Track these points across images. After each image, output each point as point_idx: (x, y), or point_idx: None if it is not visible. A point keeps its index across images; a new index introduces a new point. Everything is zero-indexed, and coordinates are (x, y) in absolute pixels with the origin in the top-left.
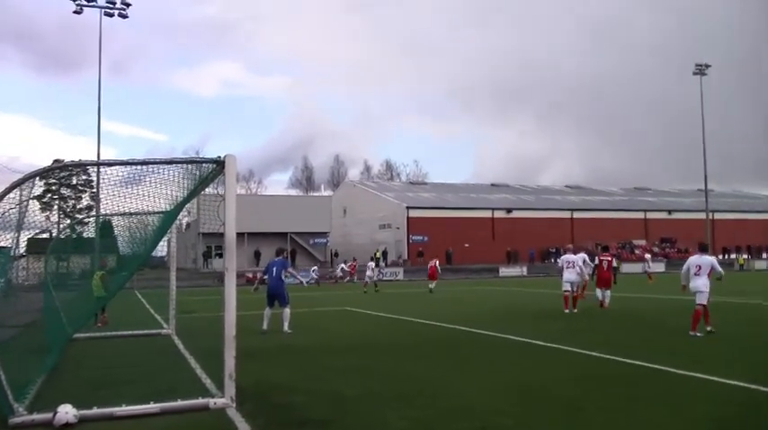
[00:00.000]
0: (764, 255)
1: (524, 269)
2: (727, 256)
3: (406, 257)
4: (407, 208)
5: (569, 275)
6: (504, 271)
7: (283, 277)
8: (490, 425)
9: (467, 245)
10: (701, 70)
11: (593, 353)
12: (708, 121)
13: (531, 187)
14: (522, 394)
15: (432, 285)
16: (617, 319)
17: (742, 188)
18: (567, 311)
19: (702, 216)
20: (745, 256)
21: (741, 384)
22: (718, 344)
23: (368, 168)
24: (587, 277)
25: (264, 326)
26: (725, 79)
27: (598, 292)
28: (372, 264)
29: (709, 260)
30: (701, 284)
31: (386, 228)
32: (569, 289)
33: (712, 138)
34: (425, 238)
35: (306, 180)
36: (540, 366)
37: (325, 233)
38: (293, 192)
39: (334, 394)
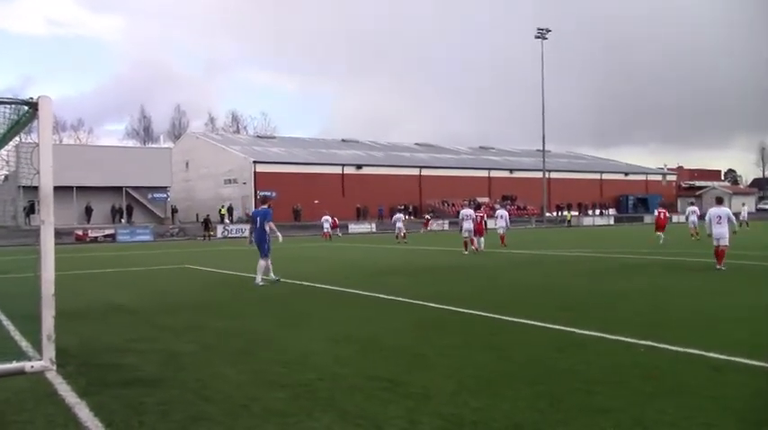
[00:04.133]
0: (590, 212)
1: (373, 226)
2: (559, 213)
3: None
4: (254, 162)
5: (467, 225)
6: (354, 227)
7: (266, 227)
8: (328, 374)
9: (316, 201)
10: (542, 34)
11: (432, 304)
12: (548, 86)
13: (380, 144)
14: (362, 344)
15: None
16: (461, 274)
17: (576, 149)
18: (466, 253)
19: (540, 175)
20: (575, 213)
21: (556, 327)
22: (538, 293)
23: (212, 120)
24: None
25: (272, 276)
26: (565, 45)
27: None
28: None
29: (726, 211)
30: (724, 231)
31: (231, 183)
32: (467, 235)
33: (552, 102)
34: (273, 194)
35: (144, 131)
36: (379, 317)
37: (165, 188)
38: (130, 143)
39: (167, 352)
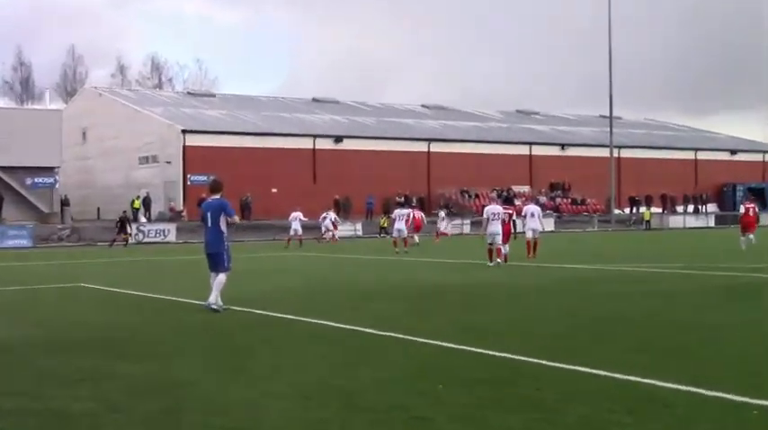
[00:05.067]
0: (680, 208)
1: (358, 226)
2: (633, 210)
3: (181, 207)
4: (184, 132)
5: (494, 227)
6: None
7: (223, 227)
8: None
9: (274, 190)
10: None
11: (440, 343)
12: (617, 27)
13: (370, 106)
14: (341, 401)
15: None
16: (482, 297)
17: (659, 117)
18: (491, 265)
19: (606, 153)
20: (656, 210)
21: (626, 377)
22: (598, 328)
23: (122, 69)
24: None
25: (220, 302)
26: None
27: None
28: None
29: None
30: None
31: (150, 163)
32: (493, 241)
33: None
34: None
35: (21, 84)
36: (366, 361)
37: (52, 169)
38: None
39: (52, 414)
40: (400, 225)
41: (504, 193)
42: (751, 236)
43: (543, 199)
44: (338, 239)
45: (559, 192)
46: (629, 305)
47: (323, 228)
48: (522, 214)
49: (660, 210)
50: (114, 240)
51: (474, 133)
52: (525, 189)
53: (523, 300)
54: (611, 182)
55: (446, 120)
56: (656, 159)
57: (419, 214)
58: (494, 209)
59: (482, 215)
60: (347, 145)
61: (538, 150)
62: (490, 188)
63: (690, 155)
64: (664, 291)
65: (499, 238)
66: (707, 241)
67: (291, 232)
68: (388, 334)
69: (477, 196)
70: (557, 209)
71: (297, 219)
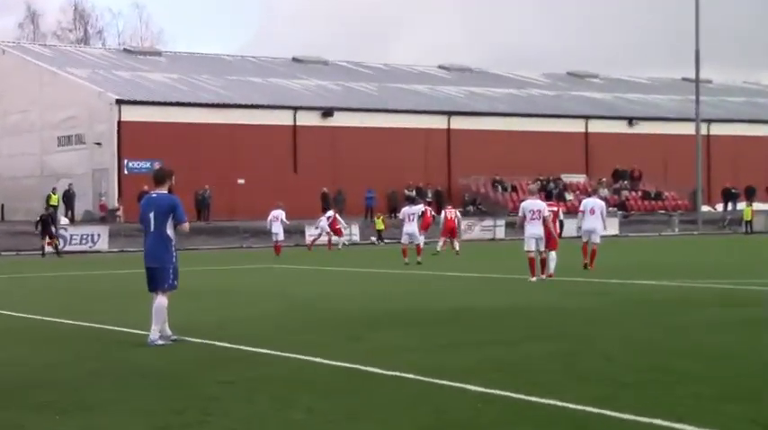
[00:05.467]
0: None
1: (355, 229)
2: (727, 207)
3: (116, 205)
4: (119, 103)
5: (534, 229)
6: (313, 234)
7: (170, 232)
8: None
9: (241, 181)
10: None
11: (469, 386)
12: None
13: (370, 67)
14: None
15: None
16: (522, 323)
17: (762, 78)
18: (533, 280)
19: (690, 129)
20: (762, 206)
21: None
22: (702, 371)
23: (34, 17)
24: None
25: (168, 332)
26: None
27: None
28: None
29: None
30: None
31: (72, 145)
32: (533, 248)
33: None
34: (155, 165)
35: None
36: (372, 410)
37: None
38: None
39: None
40: (411, 228)
41: (551, 184)
42: None
43: (605, 192)
44: (338, 245)
45: (626, 182)
46: (728, 337)
47: (318, 230)
48: (581, 209)
49: (766, 207)
50: (43, 248)
51: (510, 103)
52: (579, 179)
53: (576, 328)
54: (697, 169)
55: (472, 87)
56: (759, 138)
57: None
58: (533, 204)
59: (519, 213)
60: (339, 120)
61: (597, 126)
62: (532, 178)
63: None
64: None
65: (541, 244)
66: None
67: (275, 238)
68: (396, 374)
69: (513, 188)
70: (622, 205)
71: (278, 220)
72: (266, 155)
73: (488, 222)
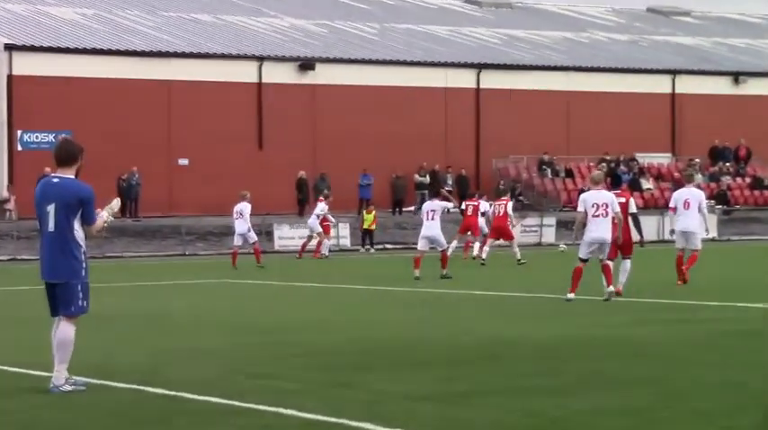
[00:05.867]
0: None
1: (344, 231)
2: None
3: (6, 195)
4: (9, 49)
5: (599, 228)
6: (291, 233)
7: (78, 232)
8: None
9: (183, 161)
10: None
11: None
12: None
13: None
14: None
15: None
16: (564, 360)
17: None
18: (571, 297)
19: None
20: None
21: None
22: None
23: None
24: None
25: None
26: None
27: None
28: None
29: None
30: None
31: None
32: (588, 257)
33: None
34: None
35: None
36: None
37: None
38: None
39: None
40: (430, 230)
41: (621, 167)
42: None
43: (699, 178)
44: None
45: (728, 164)
46: None
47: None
48: (671, 205)
49: None
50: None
51: (565, 53)
52: (663, 159)
53: (655, 371)
54: None
55: (511, 29)
56: None
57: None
58: (597, 196)
59: (576, 208)
60: (322, 75)
61: (688, 84)
62: (595, 159)
63: None
64: None
65: (606, 249)
66: None
67: (237, 241)
68: None
69: (569, 173)
70: (723, 197)
71: (242, 216)
72: (219, 125)
73: (533, 220)
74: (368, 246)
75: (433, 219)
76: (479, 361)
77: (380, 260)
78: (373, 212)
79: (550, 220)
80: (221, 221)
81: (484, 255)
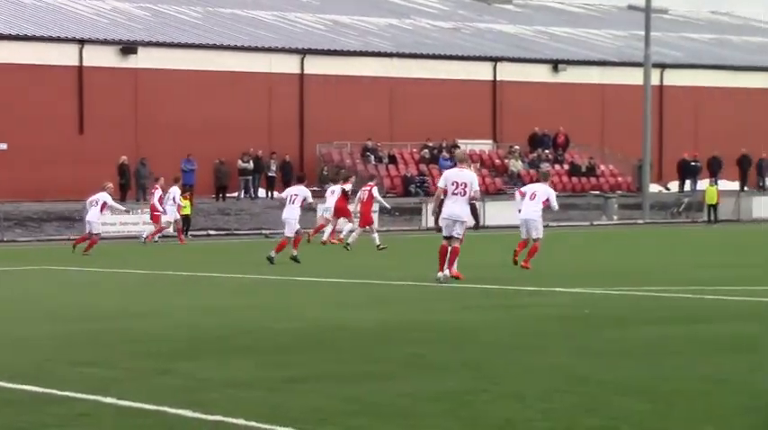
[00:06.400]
0: None
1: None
2: (690, 186)
3: None
4: None
5: (455, 207)
6: (107, 221)
7: None
8: None
9: (2, 146)
10: None
11: None
12: None
13: None
14: None
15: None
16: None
17: (725, 7)
18: (440, 275)
19: (635, 78)
20: (731, 186)
21: None
22: None
23: None
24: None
25: None
26: None
27: None
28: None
29: None
30: None
31: None
32: (448, 233)
33: None
34: None
35: None
36: None
37: None
38: None
39: None
40: (287, 213)
41: (444, 154)
42: None
43: (518, 165)
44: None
45: (547, 152)
46: (677, 363)
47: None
48: (522, 190)
49: (737, 187)
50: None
51: (388, 38)
52: (484, 146)
53: (477, 356)
54: (644, 133)
55: (338, 14)
56: (729, 89)
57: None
58: (458, 175)
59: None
60: (145, 59)
61: (509, 72)
62: (417, 144)
63: None
64: (745, 337)
65: (458, 228)
66: None
67: (89, 228)
68: (220, 418)
69: (392, 159)
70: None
71: (97, 205)
72: (39, 108)
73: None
74: (183, 234)
75: (293, 203)
76: (304, 347)
77: (206, 246)
78: (189, 197)
79: (374, 206)
80: (40, 207)
81: (350, 240)
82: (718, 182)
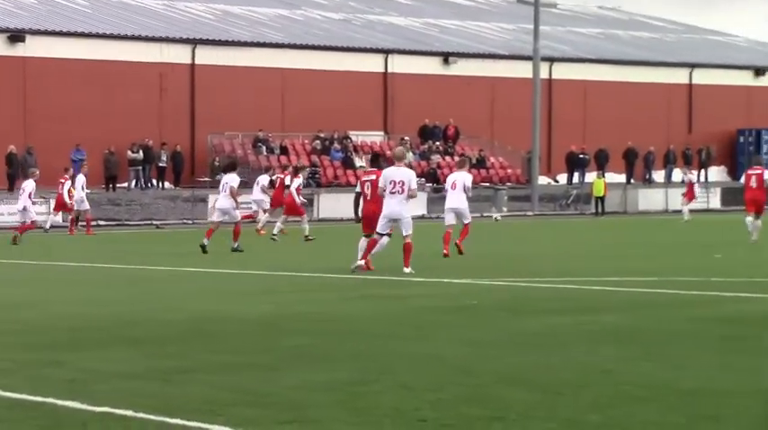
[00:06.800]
0: (664, 172)
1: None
2: (578, 179)
3: None
4: None
5: (392, 206)
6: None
7: None
8: None
9: None
10: None
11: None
12: None
13: None
14: None
15: None
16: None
17: (613, 1)
18: (355, 266)
19: (524, 71)
20: (617, 178)
21: None
22: None
23: None
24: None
25: None
26: None
27: None
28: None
29: None
30: None
31: None
32: (386, 230)
33: None
34: None
35: None
36: None
37: None
38: None
39: None
40: (220, 203)
41: (336, 145)
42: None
43: (410, 156)
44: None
45: (438, 143)
46: (563, 354)
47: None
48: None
49: (624, 180)
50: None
51: (279, 29)
52: (375, 138)
53: (365, 346)
54: (533, 125)
55: (226, 5)
56: (617, 83)
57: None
58: (396, 173)
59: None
60: (33, 47)
61: (400, 64)
62: (309, 135)
63: (680, 75)
64: (629, 328)
65: (406, 226)
66: (706, 235)
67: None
68: (106, 410)
69: (284, 150)
70: (432, 175)
71: (24, 192)
72: None
73: (248, 197)
74: (74, 225)
75: (225, 191)
76: (191, 338)
77: (96, 237)
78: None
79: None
80: None
81: (275, 231)
82: (606, 174)
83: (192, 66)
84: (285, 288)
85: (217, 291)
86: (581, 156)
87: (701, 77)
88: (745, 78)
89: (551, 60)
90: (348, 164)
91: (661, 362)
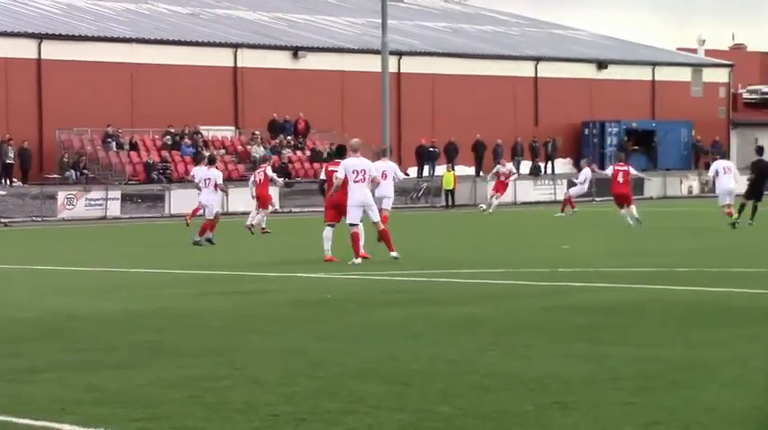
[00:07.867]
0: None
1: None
2: (427, 172)
3: None
4: None
5: (360, 194)
6: None
7: None
8: None
9: None
10: None
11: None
12: None
13: None
14: None
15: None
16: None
17: None
18: (358, 262)
19: (372, 65)
20: (468, 171)
21: None
22: None
23: None
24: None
25: None
26: None
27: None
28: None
29: None
30: None
31: None
32: (359, 221)
33: None
34: None
35: None
36: None
37: None
38: None
39: None
40: (201, 196)
41: (186, 140)
42: (626, 212)
43: (260, 151)
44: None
45: (288, 138)
46: (415, 345)
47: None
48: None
49: (473, 172)
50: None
51: (126, 24)
52: (228, 131)
53: (215, 342)
54: (383, 119)
55: None
56: (464, 77)
57: None
58: (356, 163)
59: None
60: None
61: (249, 58)
62: (159, 131)
63: (526, 68)
64: (477, 319)
65: (374, 211)
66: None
67: None
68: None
69: (134, 146)
70: (283, 170)
71: None
72: None
73: (97, 194)
74: None
75: (207, 186)
76: (40, 336)
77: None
78: None
79: (115, 194)
80: None
81: (254, 221)
82: (455, 167)
83: (39, 60)
84: (137, 283)
85: (67, 288)
86: (431, 149)
87: (546, 70)
88: (588, 71)
89: (400, 54)
90: (210, 160)
91: (510, 352)
